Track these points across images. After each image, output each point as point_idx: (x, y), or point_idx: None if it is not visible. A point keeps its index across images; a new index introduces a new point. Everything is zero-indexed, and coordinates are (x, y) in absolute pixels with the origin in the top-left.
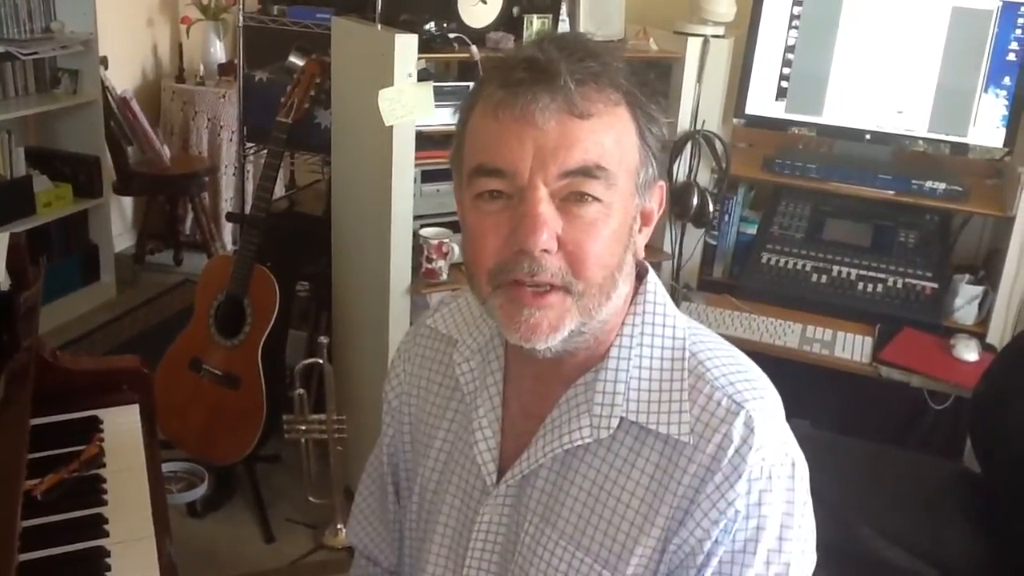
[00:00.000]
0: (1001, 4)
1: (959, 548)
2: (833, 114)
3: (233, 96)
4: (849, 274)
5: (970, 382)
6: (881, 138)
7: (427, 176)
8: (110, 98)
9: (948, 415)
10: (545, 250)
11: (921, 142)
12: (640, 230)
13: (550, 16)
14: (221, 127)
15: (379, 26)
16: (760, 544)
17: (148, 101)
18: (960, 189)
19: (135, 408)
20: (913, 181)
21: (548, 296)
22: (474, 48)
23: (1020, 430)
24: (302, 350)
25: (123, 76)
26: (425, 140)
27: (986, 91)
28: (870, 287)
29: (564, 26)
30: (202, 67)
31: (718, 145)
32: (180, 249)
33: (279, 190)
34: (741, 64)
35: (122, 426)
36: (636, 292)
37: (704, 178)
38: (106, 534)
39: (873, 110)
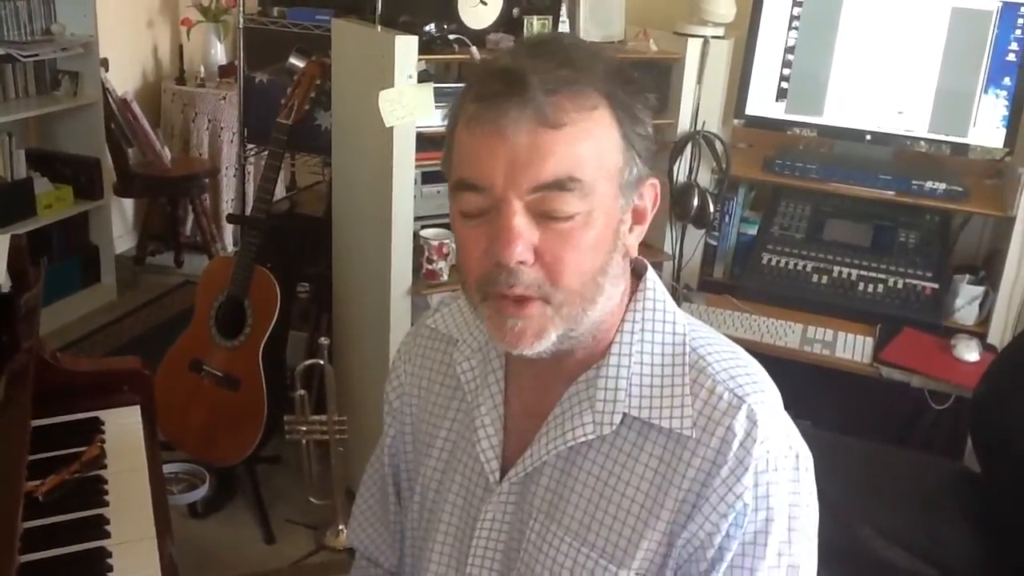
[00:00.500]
0: (1001, 4)
1: (959, 548)
2: (833, 115)
3: (233, 98)
4: (850, 274)
5: (971, 382)
6: (881, 138)
7: (427, 177)
8: (111, 100)
9: (949, 415)
10: (521, 262)
11: (921, 142)
12: (632, 229)
13: (550, 17)
14: (222, 128)
15: (379, 27)
16: (770, 536)
17: (149, 103)
18: (960, 189)
19: (136, 409)
20: (913, 181)
21: (528, 307)
22: (474, 49)
23: (1021, 430)
24: (303, 351)
25: (124, 78)
26: (425, 141)
27: (986, 91)
28: (871, 287)
29: (564, 27)
30: (202, 69)
31: (718, 146)
32: (181, 250)
33: (280, 191)
34: (741, 65)
35: (123, 427)
36: (635, 289)
37: (704, 179)
38: (107, 535)
39: (873, 111)
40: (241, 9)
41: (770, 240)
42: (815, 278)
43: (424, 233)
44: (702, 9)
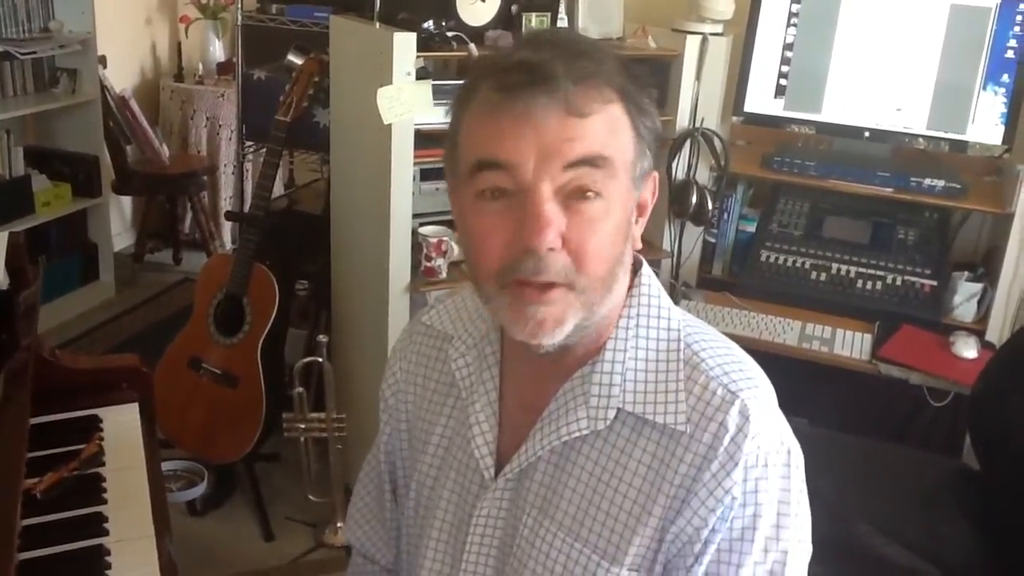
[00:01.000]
0: (999, 1)
1: (958, 545)
2: (832, 112)
3: (232, 95)
4: (848, 271)
5: (969, 379)
6: (880, 135)
7: (426, 174)
8: (109, 97)
9: (947, 412)
10: (551, 249)
11: (920, 139)
12: (636, 221)
13: (548, 14)
14: (220, 126)
15: (377, 24)
16: (757, 532)
17: (147, 100)
18: (959, 186)
19: (135, 407)
20: (912, 178)
21: (551, 291)
22: (472, 46)
23: (1019, 427)
24: (301, 348)
25: (122, 75)
26: (424, 138)
27: (985, 88)
28: (869, 284)
29: (562, 24)
30: (201, 66)
31: (717, 143)
32: (179, 248)
33: (278, 189)
34: (740, 62)
35: (122, 425)
36: (631, 285)
37: (703, 176)
38: (106, 533)
39: (872, 107)
40: (239, 6)
41: (769, 237)
42: (814, 275)
43: (423, 230)
44: (701, 6)
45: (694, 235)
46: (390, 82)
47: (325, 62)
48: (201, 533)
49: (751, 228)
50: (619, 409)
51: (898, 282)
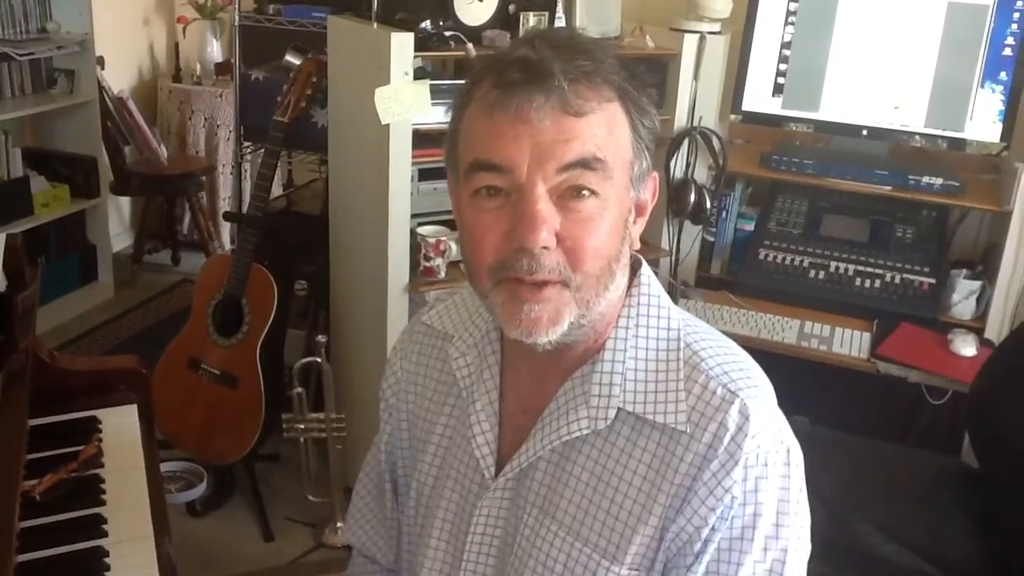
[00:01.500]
0: None
1: (957, 544)
2: (830, 110)
3: (230, 95)
4: (847, 270)
5: (968, 377)
6: (878, 134)
7: (424, 174)
8: (107, 98)
9: (946, 410)
10: (545, 247)
11: (918, 137)
12: (635, 221)
13: (546, 13)
14: (218, 126)
15: (375, 24)
16: (757, 531)
17: (145, 101)
18: (957, 184)
19: (133, 408)
20: (910, 176)
21: (546, 289)
22: (470, 46)
23: (1018, 425)
24: (300, 349)
25: (120, 76)
26: (422, 138)
27: (982, 86)
28: (868, 283)
29: (560, 23)
30: (199, 66)
31: (715, 142)
32: (178, 249)
33: (276, 189)
34: (738, 60)
35: (120, 426)
36: (630, 284)
37: (701, 175)
38: (105, 534)
39: (870, 106)
40: (237, 6)
41: (767, 236)
42: (812, 274)
43: (421, 230)
44: (698, 5)
45: (692, 234)
46: (388, 82)
47: (323, 62)
48: (201, 534)
49: (749, 227)
50: (619, 409)
51: (896, 280)
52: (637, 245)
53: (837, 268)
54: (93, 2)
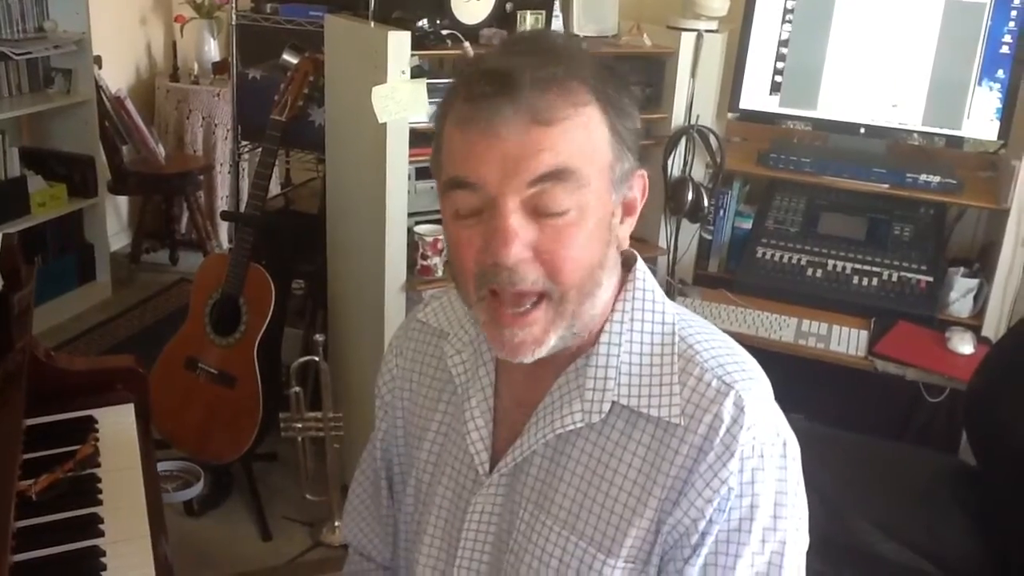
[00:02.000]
0: None
1: (954, 541)
2: (827, 108)
3: (227, 94)
4: (844, 268)
5: (965, 375)
6: (875, 132)
7: (421, 173)
8: (104, 97)
9: (944, 408)
10: (521, 260)
11: (915, 135)
12: (623, 221)
13: (543, 12)
14: (216, 125)
15: (372, 23)
16: (755, 522)
17: (142, 100)
18: (955, 182)
19: (130, 408)
20: (908, 174)
21: (530, 314)
22: (467, 44)
23: (1016, 423)
24: (298, 348)
25: (117, 75)
26: (419, 137)
27: (980, 84)
28: (865, 281)
29: (557, 22)
30: (196, 65)
31: (712, 140)
32: (176, 248)
33: (274, 188)
34: (735, 58)
35: (117, 425)
36: (625, 280)
37: (699, 173)
38: (101, 534)
39: (867, 104)
40: (234, 5)
41: (765, 234)
42: (810, 272)
43: (418, 229)
44: (696, 3)
45: (690, 232)
46: (385, 81)
47: (320, 61)
48: (198, 533)
49: (747, 225)
50: (614, 403)
51: (894, 278)
52: (624, 245)
53: (835, 266)
54: (90, 1)
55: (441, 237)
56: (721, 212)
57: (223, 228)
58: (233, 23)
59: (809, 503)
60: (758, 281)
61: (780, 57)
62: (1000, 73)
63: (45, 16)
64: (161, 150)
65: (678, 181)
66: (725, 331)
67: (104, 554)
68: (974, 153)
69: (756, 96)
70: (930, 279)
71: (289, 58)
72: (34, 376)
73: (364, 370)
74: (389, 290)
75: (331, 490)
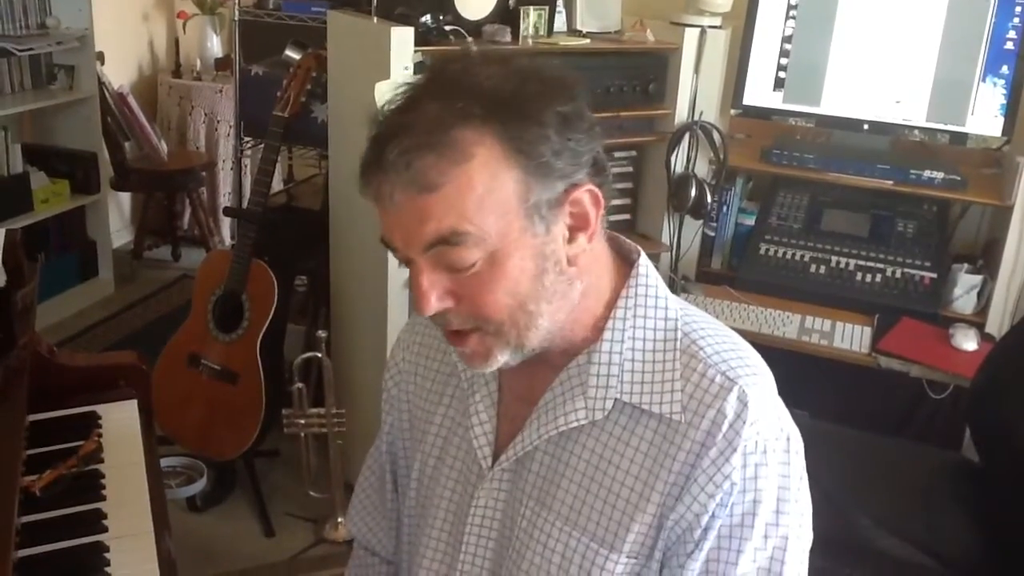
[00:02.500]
0: None
1: (957, 538)
2: (831, 104)
3: (230, 91)
4: (847, 264)
5: (969, 372)
6: (879, 128)
7: None
8: (107, 94)
9: (947, 405)
10: (445, 309)
11: (919, 132)
12: (573, 239)
13: (546, 8)
14: (218, 122)
15: (375, 19)
16: (758, 518)
17: (145, 96)
18: (958, 178)
19: (133, 404)
20: (911, 171)
21: (467, 337)
22: (470, 41)
23: (1019, 420)
24: (301, 344)
25: (119, 71)
26: None
27: (984, 80)
28: (868, 277)
29: (560, 18)
30: (198, 62)
31: (716, 136)
32: (178, 244)
33: (276, 184)
34: (738, 55)
35: (120, 421)
36: (628, 275)
37: (702, 169)
38: (105, 529)
39: (871, 100)
40: (237, 2)
41: (768, 230)
42: (813, 268)
43: None
44: None
45: (693, 229)
46: (388, 77)
47: (323, 57)
48: (201, 530)
49: (750, 221)
50: (616, 399)
51: (897, 275)
52: (576, 265)
53: (838, 263)
54: None
55: None
56: (724, 209)
57: (225, 224)
58: (235, 19)
59: (811, 499)
60: (761, 278)
61: (784, 53)
62: (1004, 69)
63: (48, 12)
64: (164, 146)
65: (681, 178)
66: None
67: (108, 550)
68: (978, 149)
69: (760, 92)
70: (934, 276)
71: (292, 54)
72: (37, 372)
73: (367, 366)
74: (392, 287)
75: (334, 486)
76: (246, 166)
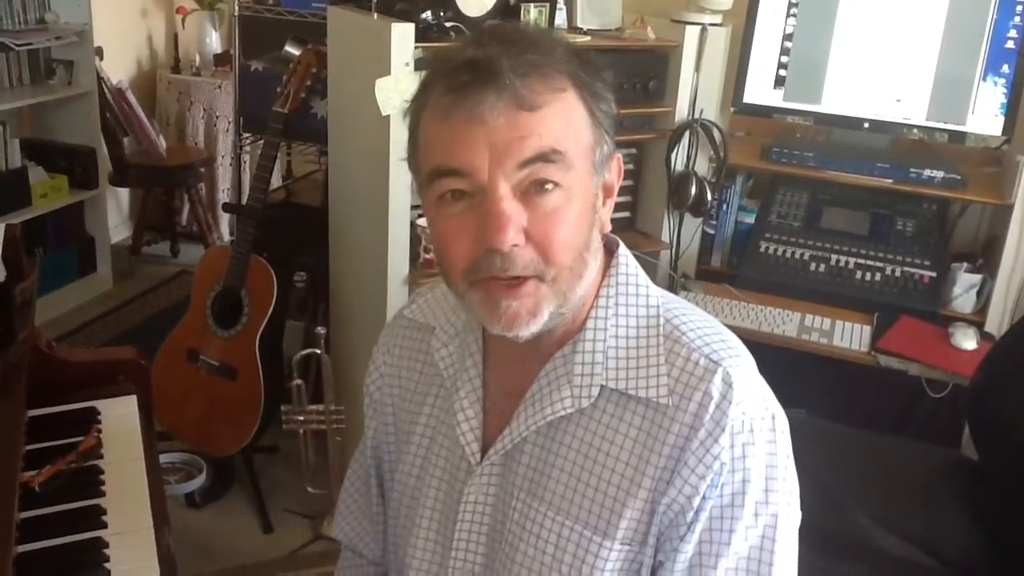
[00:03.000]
0: None
1: (955, 536)
2: (831, 102)
3: (229, 86)
4: (847, 263)
5: (968, 370)
6: (879, 126)
7: None
8: (105, 89)
9: (946, 403)
10: (515, 245)
11: (919, 130)
12: (604, 203)
13: (547, 4)
14: (217, 117)
15: (375, 15)
16: (747, 497)
17: (143, 92)
18: (958, 177)
19: (132, 399)
20: (911, 169)
21: (523, 286)
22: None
23: (1018, 418)
24: (300, 340)
25: (118, 67)
26: None
27: (985, 79)
28: (868, 276)
29: (561, 15)
30: (197, 57)
31: (716, 134)
32: (177, 240)
33: (276, 180)
34: (739, 52)
35: (120, 417)
36: (608, 265)
37: (702, 167)
38: (104, 525)
39: (871, 98)
40: None
41: (768, 228)
42: (813, 266)
43: (421, 222)
44: None
45: (693, 226)
46: (388, 73)
47: (323, 53)
48: (200, 526)
49: (750, 219)
50: (602, 386)
51: (897, 273)
52: (607, 228)
53: (838, 261)
54: None
55: None
56: (724, 207)
57: (224, 220)
58: (235, 14)
59: (810, 497)
60: (761, 276)
61: (784, 51)
62: (1005, 68)
63: (46, 7)
64: (162, 142)
65: (681, 175)
66: (727, 326)
67: (107, 545)
68: (978, 148)
69: (760, 90)
70: (933, 274)
71: (291, 50)
72: (36, 367)
73: (366, 363)
74: (391, 283)
75: (332, 483)
76: (245, 162)
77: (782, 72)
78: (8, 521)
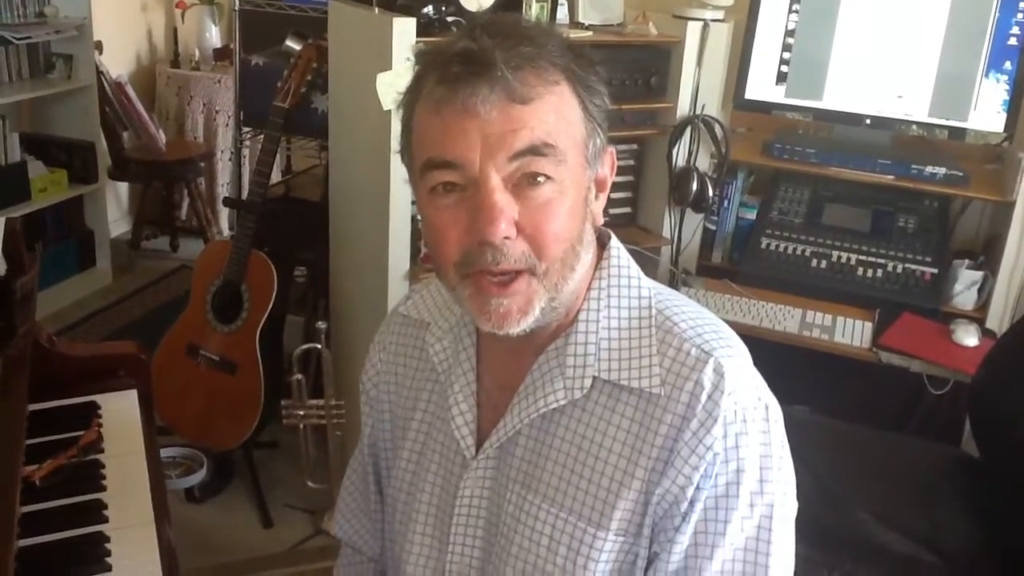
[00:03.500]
0: None
1: (957, 533)
2: (833, 99)
3: (229, 81)
4: (848, 259)
5: (970, 367)
6: (881, 123)
7: None
8: (105, 83)
9: (947, 400)
10: (507, 237)
11: (919, 127)
12: (597, 197)
13: (548, 0)
14: (217, 112)
15: (376, 10)
16: (742, 486)
17: (143, 86)
18: (960, 174)
19: (133, 393)
20: (913, 166)
21: (514, 284)
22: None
23: (1019, 415)
24: (300, 335)
25: (118, 61)
26: None
27: (987, 76)
28: (870, 272)
29: (563, 10)
30: (197, 52)
31: (717, 130)
32: (176, 235)
33: (276, 175)
34: (741, 48)
35: (120, 411)
36: (600, 258)
37: (703, 163)
38: (105, 519)
39: (873, 95)
40: None
41: (769, 224)
42: (814, 263)
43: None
44: None
45: (694, 222)
46: (389, 67)
47: (323, 48)
48: (200, 520)
49: (751, 215)
50: (595, 377)
51: (898, 270)
52: (600, 221)
53: (839, 257)
54: None
55: None
56: (725, 202)
57: (224, 215)
58: (235, 9)
59: (811, 492)
60: (762, 272)
61: (786, 47)
62: (1007, 65)
63: (46, 1)
64: (162, 136)
65: (683, 171)
66: (728, 322)
67: (108, 539)
68: (980, 145)
69: (762, 86)
70: (935, 271)
71: (292, 44)
72: (37, 362)
73: (366, 358)
74: (392, 278)
75: (332, 478)
76: (245, 157)
77: (784, 68)
78: (10, 515)
